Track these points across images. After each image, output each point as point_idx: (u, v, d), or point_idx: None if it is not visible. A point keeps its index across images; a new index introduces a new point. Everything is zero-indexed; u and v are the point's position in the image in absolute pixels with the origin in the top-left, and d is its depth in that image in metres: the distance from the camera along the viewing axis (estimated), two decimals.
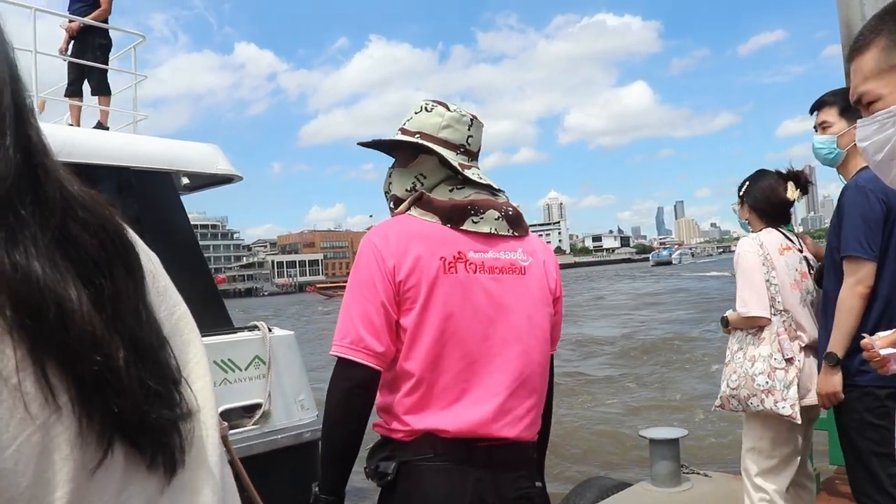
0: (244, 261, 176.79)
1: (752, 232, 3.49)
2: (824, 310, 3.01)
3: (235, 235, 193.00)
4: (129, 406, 0.59)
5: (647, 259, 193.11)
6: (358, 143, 2.01)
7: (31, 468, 0.53)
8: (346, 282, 1.88)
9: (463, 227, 1.81)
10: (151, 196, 6.25)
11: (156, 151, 6.54)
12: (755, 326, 3.31)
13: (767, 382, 3.19)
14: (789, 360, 3.19)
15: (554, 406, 2.12)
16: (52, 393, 0.55)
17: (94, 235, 0.62)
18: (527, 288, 1.88)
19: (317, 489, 1.78)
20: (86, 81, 7.24)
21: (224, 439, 0.83)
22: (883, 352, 1.79)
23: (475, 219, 1.82)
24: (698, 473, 5.03)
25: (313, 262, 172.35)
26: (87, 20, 7.06)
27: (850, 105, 2.87)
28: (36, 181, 0.60)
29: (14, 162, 0.59)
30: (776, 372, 3.19)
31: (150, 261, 0.71)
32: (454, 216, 1.81)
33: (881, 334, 1.95)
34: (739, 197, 3.58)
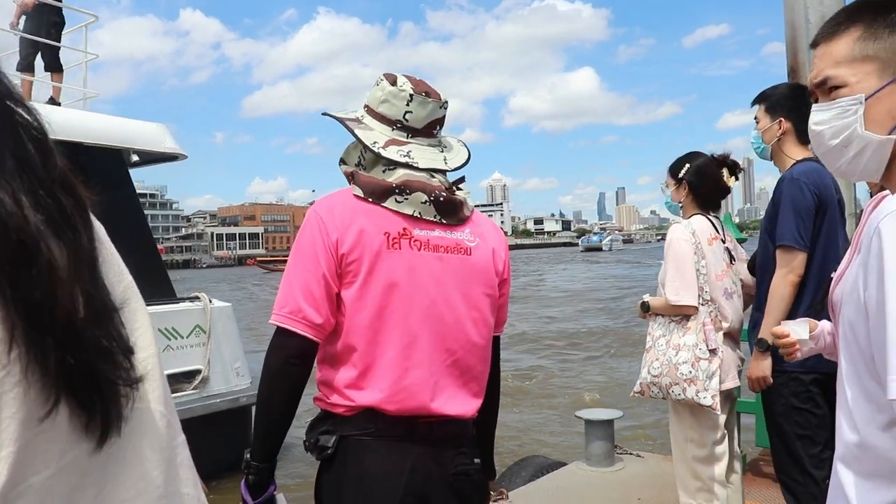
0: (183, 232, 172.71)
1: (684, 215, 3.47)
2: (758, 297, 3.12)
3: (174, 206, 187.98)
4: (83, 363, 0.59)
5: None
6: (323, 114, 1.98)
7: None
8: (287, 256, 1.89)
9: (384, 205, 1.79)
10: (102, 171, 6.49)
11: (107, 129, 6.85)
12: (680, 314, 3.30)
13: (691, 372, 3.17)
14: (713, 351, 3.20)
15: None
16: (7, 347, 0.54)
17: (69, 195, 0.63)
18: (472, 268, 1.87)
19: (248, 456, 1.78)
20: (38, 57, 7.28)
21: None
22: (794, 336, 1.92)
23: (399, 198, 1.80)
24: (631, 454, 5.21)
25: (254, 235, 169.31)
26: None
27: (775, 104, 3.07)
28: (16, 132, 0.62)
29: None
30: (700, 362, 3.18)
31: (98, 228, 0.71)
32: (376, 192, 1.80)
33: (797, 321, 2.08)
34: (677, 178, 3.49)
